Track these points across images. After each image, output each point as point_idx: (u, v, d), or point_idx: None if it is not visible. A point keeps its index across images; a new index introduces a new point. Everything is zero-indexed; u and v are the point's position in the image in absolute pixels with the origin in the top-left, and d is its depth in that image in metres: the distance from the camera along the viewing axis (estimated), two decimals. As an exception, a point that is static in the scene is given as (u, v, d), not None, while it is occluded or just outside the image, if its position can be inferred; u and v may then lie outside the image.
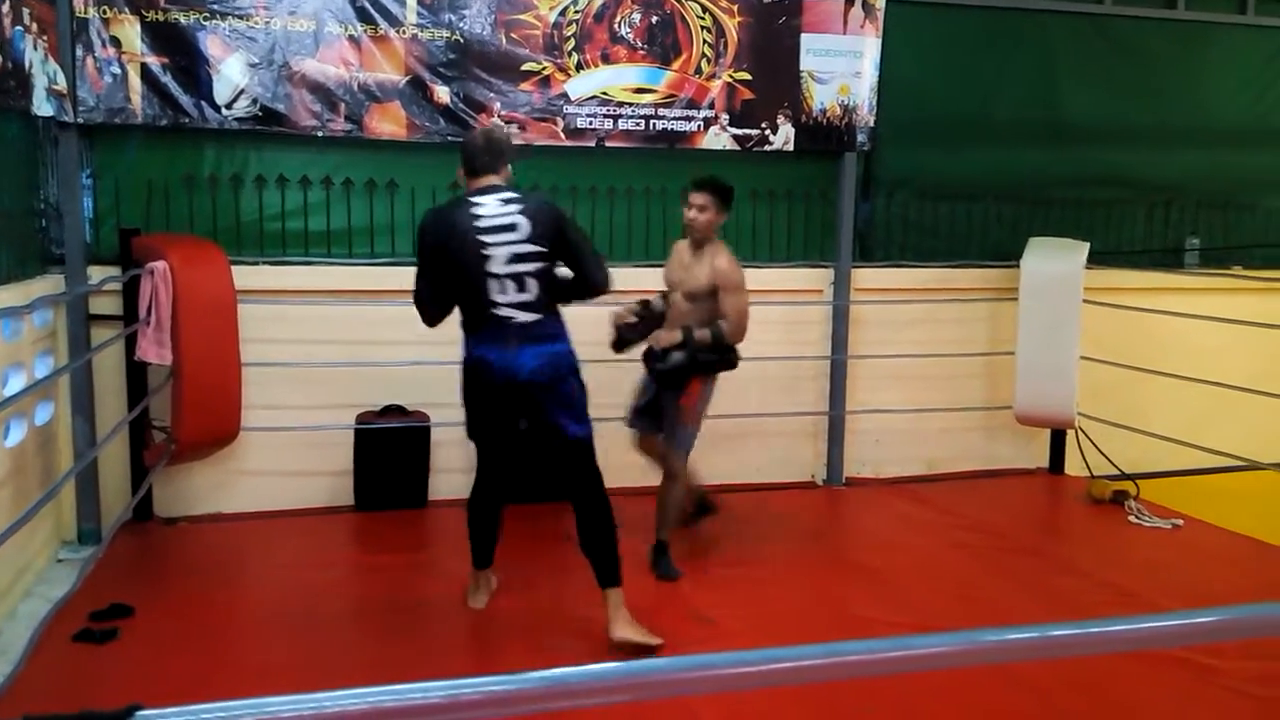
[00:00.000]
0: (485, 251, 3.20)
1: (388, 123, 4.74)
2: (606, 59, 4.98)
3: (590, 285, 3.35)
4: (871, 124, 5.36)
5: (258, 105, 4.57)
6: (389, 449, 4.73)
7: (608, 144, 5.03)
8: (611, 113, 5.01)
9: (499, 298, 3.21)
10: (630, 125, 5.04)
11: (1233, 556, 4.45)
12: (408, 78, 4.73)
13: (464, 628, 3.60)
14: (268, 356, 4.59)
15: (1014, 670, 3.12)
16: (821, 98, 5.28)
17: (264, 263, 4.71)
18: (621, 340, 3.94)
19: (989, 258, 5.62)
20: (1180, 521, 4.83)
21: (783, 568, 4.14)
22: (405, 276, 4.78)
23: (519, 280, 3.21)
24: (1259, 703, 3.05)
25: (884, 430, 5.54)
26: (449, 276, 3.30)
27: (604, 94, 4.99)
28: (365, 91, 4.70)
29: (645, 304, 4.02)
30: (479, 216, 3.23)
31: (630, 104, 5.03)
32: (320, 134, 4.69)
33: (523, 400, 3.27)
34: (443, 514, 4.78)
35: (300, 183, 4.79)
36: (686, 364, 3.89)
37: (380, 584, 3.94)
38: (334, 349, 4.76)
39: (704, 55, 5.09)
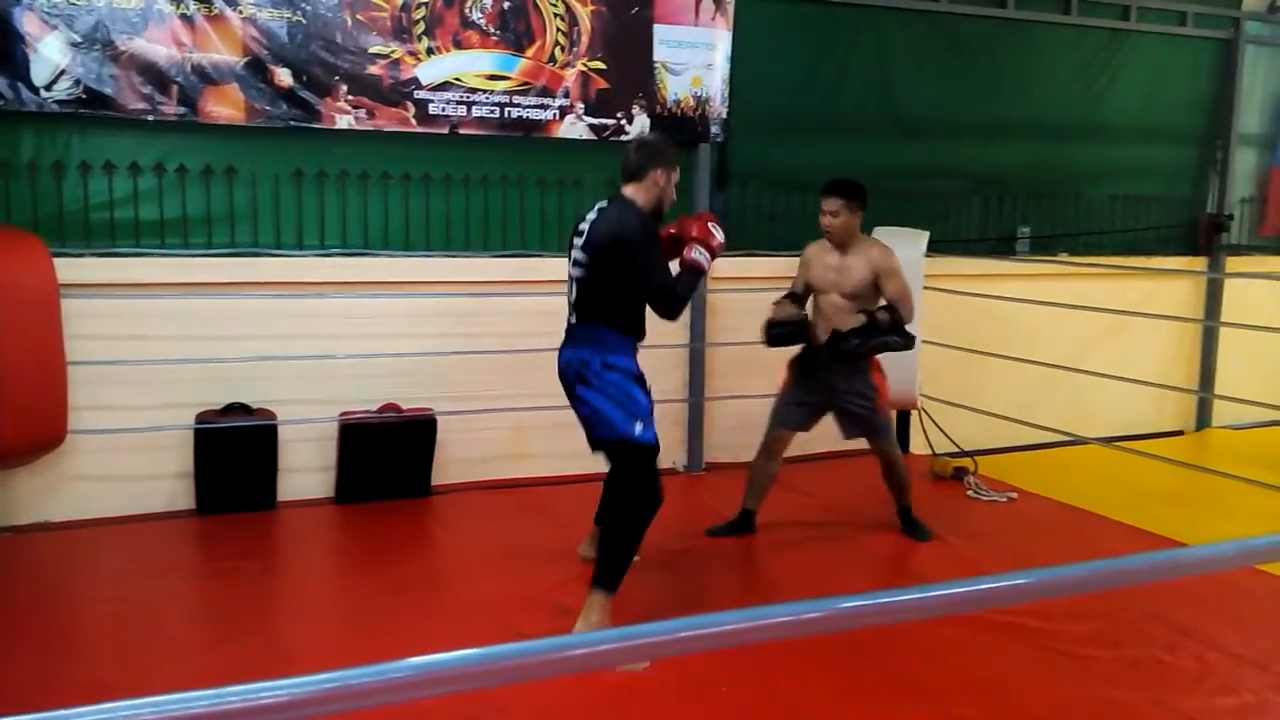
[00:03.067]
0: (572, 253, 3.44)
1: (224, 106, 4.53)
2: (458, 44, 4.88)
3: (665, 316, 3.38)
4: (724, 115, 5.45)
5: (81, 87, 4.29)
6: (233, 449, 4.53)
7: (461, 131, 4.94)
8: (465, 99, 4.92)
9: (568, 293, 3.46)
10: (484, 112, 4.97)
11: (1060, 525, 4.75)
12: (246, 59, 4.52)
13: (318, 628, 3.48)
14: (97, 354, 4.33)
15: (857, 640, 3.24)
16: (675, 89, 5.33)
17: (90, 255, 4.42)
18: (775, 338, 4.19)
19: (838, 246, 5.79)
20: (1014, 494, 5.13)
21: (645, 555, 4.17)
22: (247, 268, 4.66)
23: (571, 283, 3.42)
24: (1081, 662, 3.27)
25: (743, 415, 5.64)
26: None
27: (457, 80, 4.90)
28: (200, 73, 4.47)
29: (792, 296, 4.28)
30: (583, 218, 3.44)
31: (484, 91, 4.95)
32: (151, 118, 4.44)
33: (567, 391, 3.46)
34: (294, 515, 4.63)
35: (130, 169, 4.52)
36: (876, 344, 4.04)
37: (226, 589, 3.77)
38: (170, 345, 4.52)
39: (558, 43, 5.06)
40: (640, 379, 3.38)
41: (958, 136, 6.10)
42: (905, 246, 5.41)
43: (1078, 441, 5.65)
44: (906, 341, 4.09)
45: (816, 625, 1.41)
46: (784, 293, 4.41)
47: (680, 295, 3.31)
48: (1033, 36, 6.21)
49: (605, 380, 3.30)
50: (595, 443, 3.43)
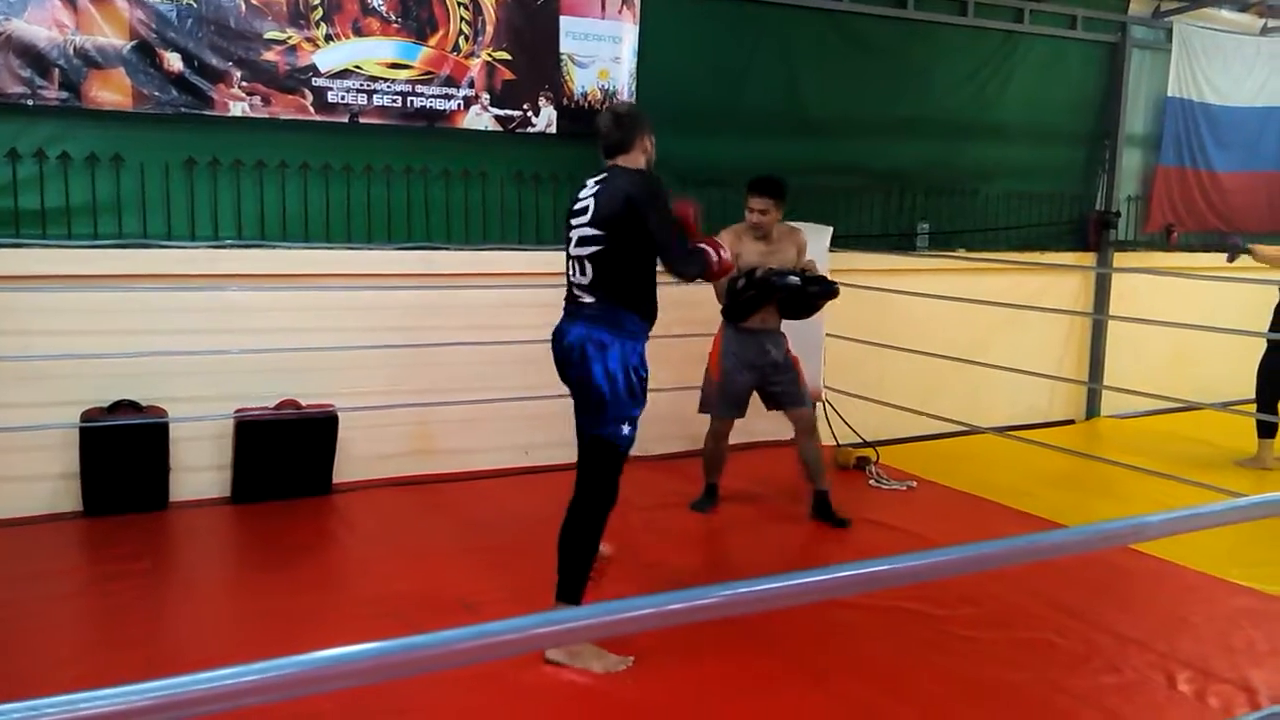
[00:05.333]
0: (569, 234, 3.32)
1: (110, 91, 4.34)
2: (358, 31, 4.77)
3: (671, 271, 3.26)
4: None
5: (-49, 67, 4.06)
6: (121, 448, 4.34)
7: (362, 120, 4.83)
8: (365, 87, 4.81)
9: (571, 276, 3.33)
10: (386, 101, 4.87)
11: (956, 511, 4.89)
12: (133, 43, 4.35)
13: (210, 632, 3.37)
14: (-28, 350, 4.12)
15: (755, 627, 3.26)
16: (582, 81, 5.31)
17: (-35, 245, 4.20)
18: (743, 303, 4.37)
19: (744, 240, 5.85)
20: (914, 483, 5.26)
21: (551, 550, 4.14)
22: (135, 260, 4.47)
23: (580, 263, 3.26)
24: (975, 644, 3.37)
25: (650, 409, 5.64)
26: None
27: (357, 67, 4.79)
28: (83, 56, 4.28)
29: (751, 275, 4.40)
30: (578, 199, 3.32)
31: (386, 79, 4.85)
32: (30, 103, 4.23)
33: (565, 369, 3.32)
34: (187, 515, 4.48)
35: (9, 156, 4.30)
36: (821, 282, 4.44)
37: (113, 593, 3.62)
38: (54, 340, 4.32)
39: (462, 33, 4.98)
40: (643, 379, 3.27)
41: (859, 134, 6.21)
42: (810, 241, 5.51)
43: (974, 431, 5.83)
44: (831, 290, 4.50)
45: (711, 611, 1.42)
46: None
47: (687, 251, 3.23)
48: (931, 37, 6.36)
49: (615, 378, 3.18)
50: (579, 427, 3.33)
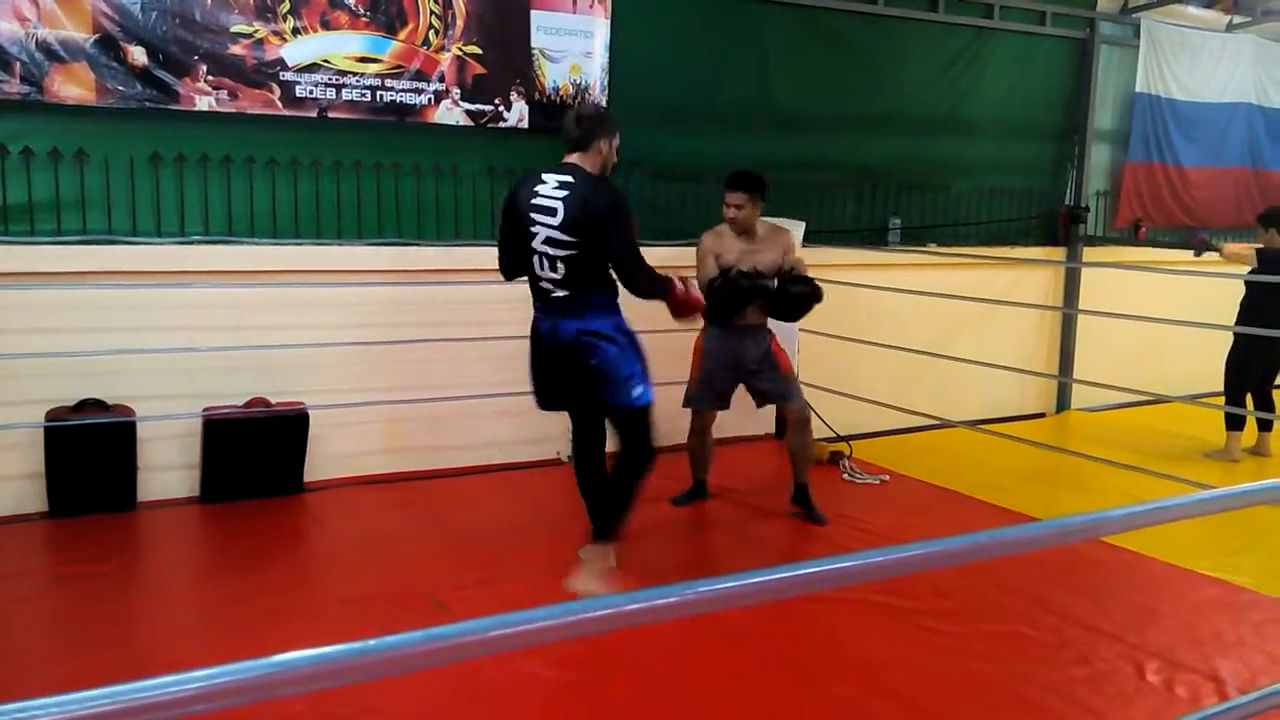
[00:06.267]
0: (532, 229, 3.44)
1: (73, 85, 4.27)
2: (326, 24, 4.72)
3: (626, 286, 3.53)
4: (604, 104, 5.43)
5: (-92, 60, 3.98)
6: (87, 448, 4.28)
7: (331, 115, 4.78)
8: (334, 82, 4.77)
9: (540, 271, 3.48)
10: (355, 96, 4.82)
11: (928, 505, 4.92)
12: (96, 36, 4.28)
13: (179, 633, 3.33)
14: (-69, 349, 4.04)
15: (730, 623, 3.26)
16: (554, 76, 5.29)
17: (-76, 242, 4.12)
18: (718, 304, 4.26)
19: (717, 236, 5.84)
20: (886, 476, 5.28)
21: (524, 547, 4.13)
22: (100, 256, 4.41)
23: (551, 261, 3.45)
24: (947, 637, 3.39)
25: (623, 405, 5.66)
26: (510, 239, 3.59)
27: (325, 61, 4.74)
28: (46, 50, 4.21)
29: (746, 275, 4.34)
30: (537, 194, 3.45)
31: (355, 73, 4.80)
32: (-10, 96, 4.16)
33: (566, 365, 3.54)
34: (155, 516, 4.42)
35: (-33, 151, 4.23)
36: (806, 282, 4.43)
37: (81, 595, 3.57)
38: (17, 339, 4.25)
39: (432, 26, 4.94)
40: (634, 337, 3.58)
41: (832, 129, 6.22)
42: (782, 236, 5.51)
43: (946, 425, 5.86)
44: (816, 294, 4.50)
45: (670, 610, 1.41)
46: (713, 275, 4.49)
47: (646, 269, 3.50)
48: (902, 33, 6.38)
49: (615, 350, 3.49)
50: (602, 406, 3.61)
